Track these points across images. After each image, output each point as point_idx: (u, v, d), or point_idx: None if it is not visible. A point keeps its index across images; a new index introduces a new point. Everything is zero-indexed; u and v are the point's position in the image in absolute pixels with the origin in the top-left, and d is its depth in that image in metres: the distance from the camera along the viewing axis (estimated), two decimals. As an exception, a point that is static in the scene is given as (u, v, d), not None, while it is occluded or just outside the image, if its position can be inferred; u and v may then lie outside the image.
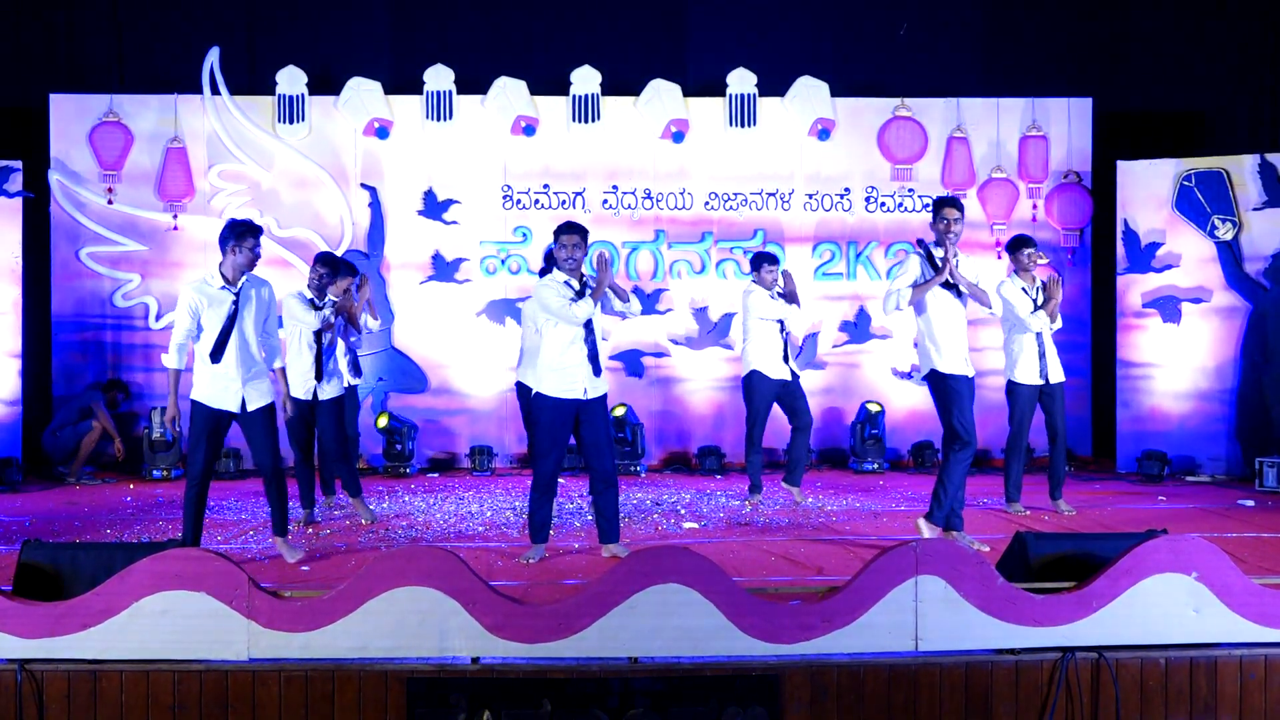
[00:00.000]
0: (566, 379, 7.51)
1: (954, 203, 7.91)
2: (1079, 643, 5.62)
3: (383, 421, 11.81)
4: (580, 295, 7.53)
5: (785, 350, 9.65)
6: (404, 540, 8.36)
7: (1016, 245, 9.35)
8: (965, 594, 5.60)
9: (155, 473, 11.44)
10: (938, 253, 7.86)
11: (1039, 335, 9.15)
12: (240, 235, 7.28)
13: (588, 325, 7.55)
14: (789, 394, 9.70)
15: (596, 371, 7.57)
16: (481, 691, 5.50)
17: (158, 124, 12.14)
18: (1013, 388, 9.26)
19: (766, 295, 9.64)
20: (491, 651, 5.53)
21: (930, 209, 8.07)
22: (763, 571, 7.18)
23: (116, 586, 5.50)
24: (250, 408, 7.35)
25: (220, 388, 7.29)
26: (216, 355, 7.23)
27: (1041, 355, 9.17)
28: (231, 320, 7.25)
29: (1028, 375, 9.18)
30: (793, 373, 9.68)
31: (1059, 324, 9.28)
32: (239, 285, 7.31)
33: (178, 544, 5.98)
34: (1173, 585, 5.67)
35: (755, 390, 9.63)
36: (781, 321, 9.63)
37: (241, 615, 5.49)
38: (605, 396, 7.69)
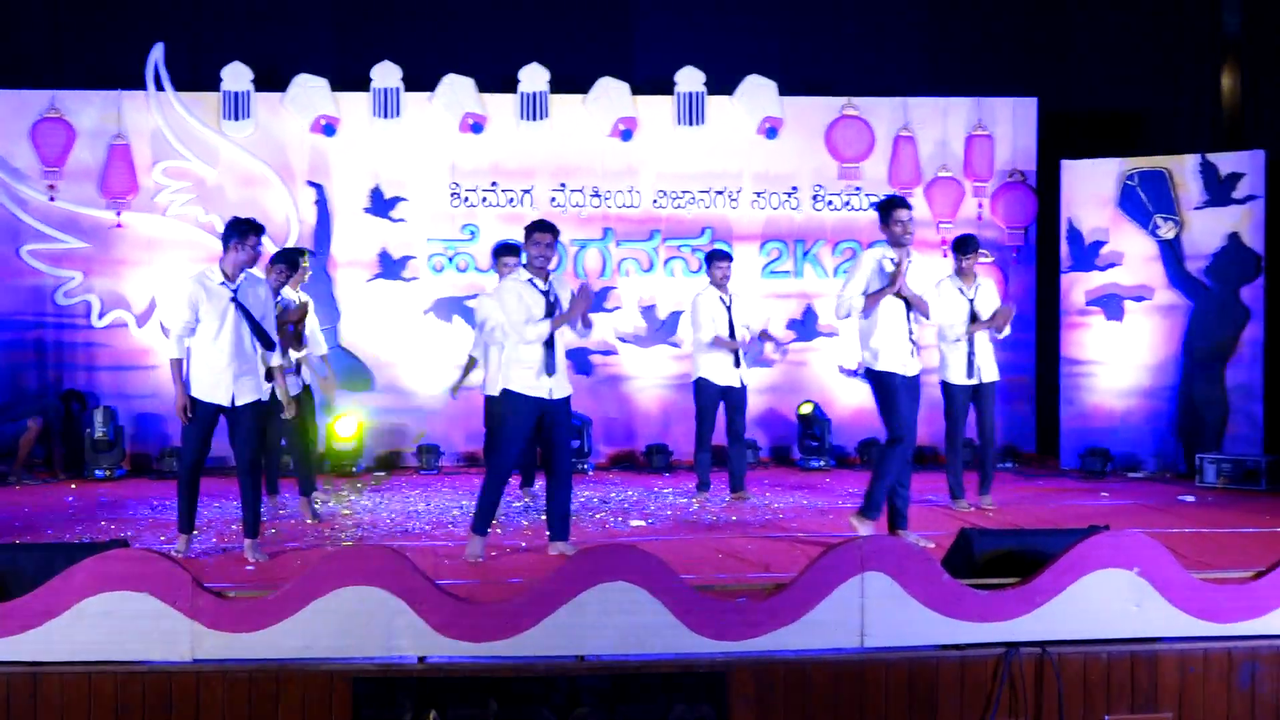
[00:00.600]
0: (530, 377, 7.53)
1: (904, 203, 7.95)
2: (1023, 638, 5.67)
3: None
4: (547, 295, 7.55)
5: (736, 355, 9.67)
6: (350, 539, 8.32)
7: (963, 247, 9.39)
8: (911, 590, 5.63)
9: (98, 473, 11.33)
10: (891, 254, 7.87)
11: (971, 337, 9.21)
12: (243, 233, 7.42)
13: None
14: (732, 401, 9.73)
15: (551, 372, 7.54)
16: (428, 691, 5.49)
17: (101, 120, 12.01)
18: (946, 387, 9.35)
19: (716, 296, 9.67)
20: (438, 651, 5.51)
21: (877, 210, 8.07)
22: (710, 569, 7.18)
23: (58, 587, 5.44)
24: (239, 402, 7.42)
25: (211, 381, 7.38)
26: (213, 349, 7.34)
27: (971, 356, 9.22)
28: (227, 316, 7.35)
29: (959, 376, 9.26)
30: (741, 381, 9.72)
31: (1006, 331, 9.39)
32: (237, 282, 7.41)
33: (120, 544, 5.92)
34: (1115, 580, 5.74)
35: (702, 393, 9.72)
36: (731, 324, 9.63)
37: (185, 616, 5.45)
38: (569, 398, 7.71)
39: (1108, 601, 5.73)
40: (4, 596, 5.57)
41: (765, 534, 8.42)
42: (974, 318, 9.20)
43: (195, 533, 7.83)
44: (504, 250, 9.55)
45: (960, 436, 9.42)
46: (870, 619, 5.63)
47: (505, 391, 7.61)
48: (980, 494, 9.44)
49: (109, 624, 5.43)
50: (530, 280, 7.59)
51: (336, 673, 5.47)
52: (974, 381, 9.25)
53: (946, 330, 9.19)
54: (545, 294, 7.57)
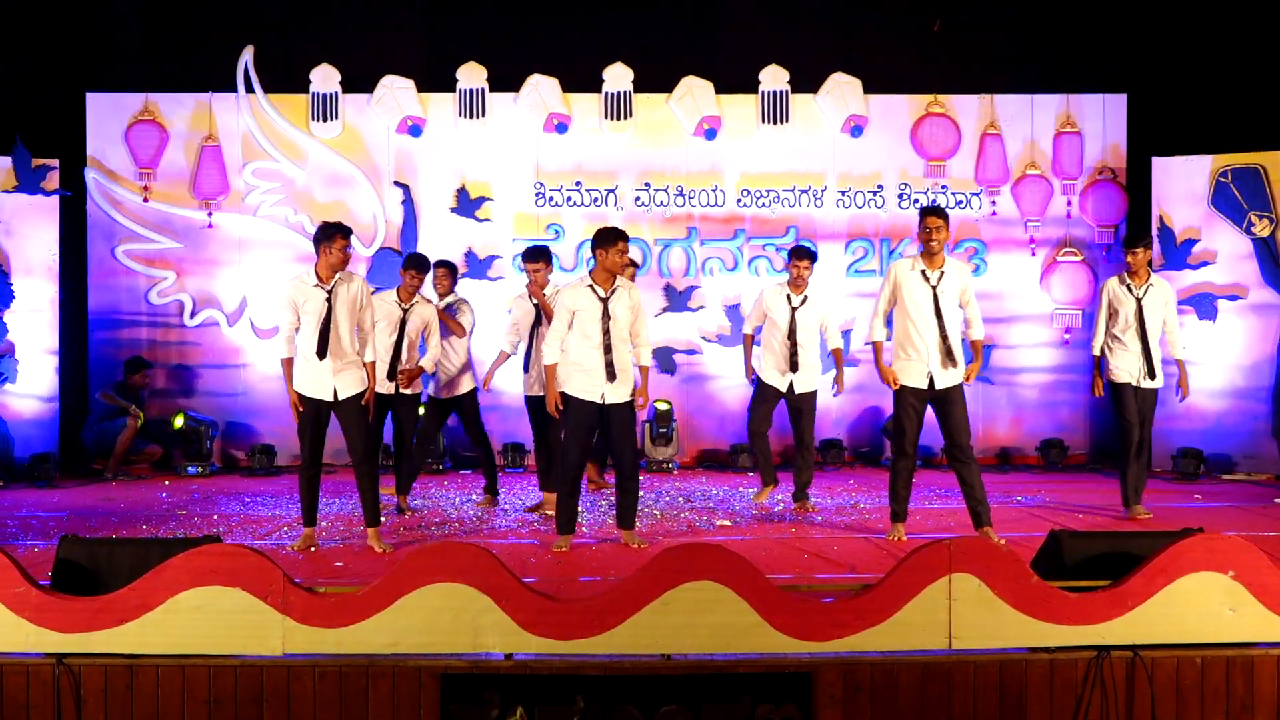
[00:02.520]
0: (586, 382, 7.74)
1: (931, 210, 7.90)
2: (1114, 641, 5.58)
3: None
4: (607, 301, 7.69)
5: (794, 356, 9.18)
6: (438, 536, 8.39)
7: (1130, 242, 8.98)
8: (999, 592, 5.57)
9: (190, 469, 11.53)
10: (923, 264, 7.92)
11: (1143, 338, 8.81)
12: (330, 236, 7.68)
13: (608, 334, 7.67)
14: (791, 405, 9.29)
15: (612, 378, 7.71)
16: (515, 687, 5.51)
17: (193, 122, 12.23)
18: (1114, 389, 8.96)
19: (783, 294, 9.33)
20: (525, 648, 5.53)
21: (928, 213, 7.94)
22: (796, 569, 7.16)
23: (152, 582, 5.53)
24: (342, 397, 7.73)
25: (314, 378, 7.70)
26: (312, 348, 7.65)
27: (1146, 358, 8.83)
28: (323, 316, 7.64)
29: (1129, 377, 8.88)
30: (793, 385, 9.18)
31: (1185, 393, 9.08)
32: (331, 283, 7.67)
33: (213, 540, 6.00)
34: (1209, 584, 5.63)
35: (755, 388, 9.44)
36: (793, 325, 9.19)
37: (276, 611, 5.51)
38: (629, 403, 7.83)
39: (1202, 605, 5.62)
40: (101, 590, 5.67)
41: (852, 534, 8.39)
42: (1141, 318, 8.81)
43: (318, 527, 8.07)
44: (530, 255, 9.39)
45: (1132, 440, 8.87)
46: (958, 620, 5.57)
47: (564, 395, 7.79)
48: (1129, 505, 8.95)
49: (202, 618, 5.51)
50: (591, 286, 7.75)
51: (424, 669, 5.51)
52: (1151, 385, 8.87)
53: (1117, 331, 8.91)
54: (604, 301, 7.71)
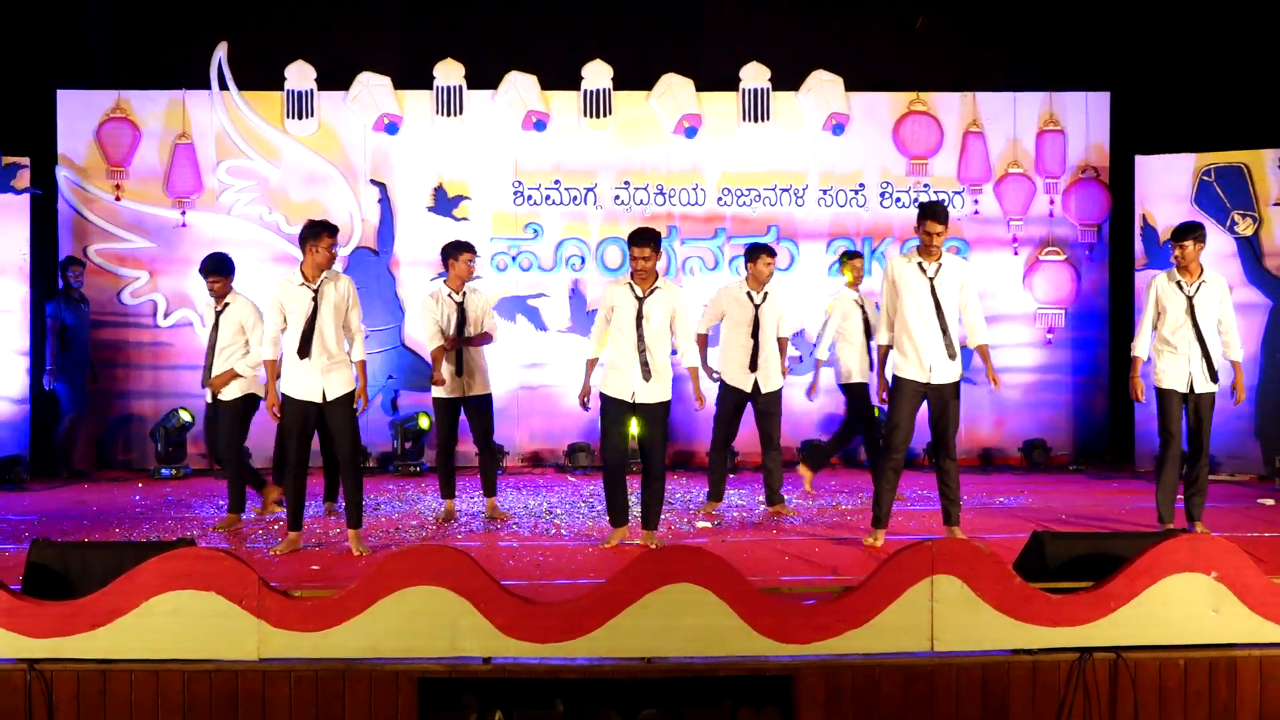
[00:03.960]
0: (619, 380, 7.86)
1: (936, 215, 7.77)
2: (1097, 643, 5.61)
3: (424, 423, 11.85)
4: (643, 301, 7.79)
5: (753, 356, 9.15)
6: (414, 539, 8.38)
7: (1179, 235, 8.26)
8: (982, 594, 5.59)
9: (164, 471, 11.50)
10: (919, 258, 7.86)
11: (1199, 339, 8.17)
12: (317, 235, 7.73)
13: (641, 335, 7.75)
14: (756, 406, 9.25)
15: (647, 377, 7.80)
16: (493, 691, 5.52)
17: (166, 120, 12.19)
18: (1158, 393, 8.35)
19: (744, 292, 9.28)
20: (503, 651, 5.54)
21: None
22: (777, 571, 7.19)
23: (126, 586, 5.53)
24: (330, 397, 7.75)
25: (303, 380, 7.73)
26: (298, 349, 7.68)
27: (1202, 361, 8.18)
28: (310, 316, 7.66)
29: (1173, 381, 8.23)
30: (757, 384, 9.17)
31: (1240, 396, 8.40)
32: (317, 282, 7.70)
33: (187, 543, 6.00)
34: (1192, 585, 5.67)
35: (720, 393, 9.37)
36: (756, 323, 9.16)
37: (252, 615, 5.51)
38: (663, 403, 7.92)
39: (1184, 606, 5.66)
40: (73, 594, 5.66)
41: (833, 536, 8.41)
42: (1194, 316, 8.13)
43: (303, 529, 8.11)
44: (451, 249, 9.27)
45: (1174, 450, 8.23)
46: (940, 622, 5.59)
47: (599, 393, 7.91)
48: (1191, 520, 8.28)
49: (176, 622, 5.50)
50: (630, 284, 7.89)
51: (402, 673, 5.51)
52: (1208, 389, 8.21)
53: (1165, 332, 8.23)
54: (640, 300, 7.82)
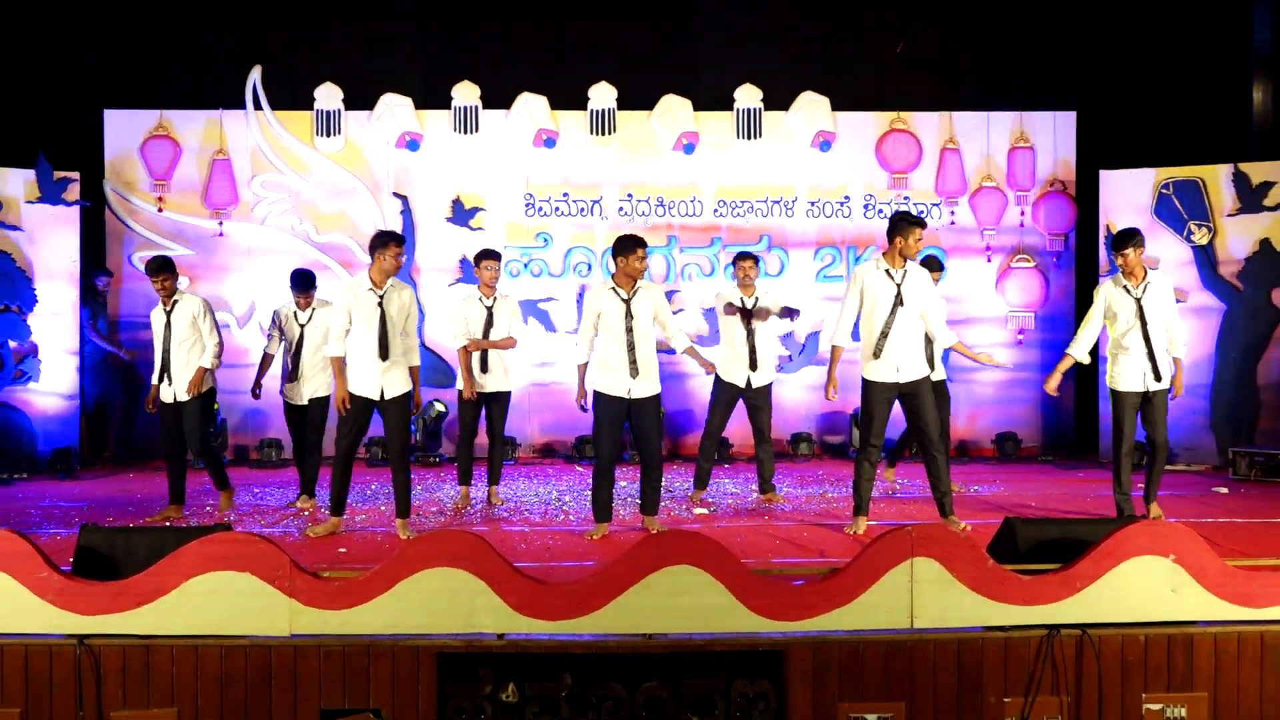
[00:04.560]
0: (612, 377, 7.76)
1: (920, 223, 7.68)
2: (1064, 620, 5.61)
3: (439, 407, 11.87)
4: (629, 301, 7.73)
5: (752, 356, 9.13)
6: (434, 525, 8.38)
7: (1119, 243, 8.06)
8: (958, 575, 5.59)
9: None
10: (882, 262, 7.78)
11: (1146, 341, 8.00)
12: (385, 244, 7.71)
13: (631, 332, 7.71)
14: (748, 401, 9.21)
15: (635, 374, 7.73)
16: (507, 665, 5.52)
17: (204, 137, 12.20)
18: (1112, 394, 8.17)
19: (735, 297, 9.25)
20: (516, 628, 5.54)
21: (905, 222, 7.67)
22: (769, 554, 7.18)
23: (167, 567, 5.53)
24: (388, 396, 7.73)
25: (365, 378, 7.71)
26: (370, 350, 7.66)
27: (1148, 361, 8.02)
28: (379, 319, 7.66)
29: (1128, 382, 8.08)
30: (750, 380, 9.13)
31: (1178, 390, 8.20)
32: (384, 288, 7.68)
33: (223, 528, 6.00)
34: (1152, 567, 5.66)
35: (714, 389, 9.31)
36: (747, 321, 9.12)
37: (284, 594, 5.51)
38: (655, 397, 7.85)
39: (1145, 587, 5.65)
40: (119, 575, 5.67)
41: (821, 522, 8.40)
42: (1143, 318, 7.97)
43: (344, 515, 8.12)
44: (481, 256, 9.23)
45: (1127, 448, 8.12)
46: (919, 601, 5.59)
47: (593, 391, 7.83)
48: (1146, 502, 8.30)
49: (214, 601, 5.51)
50: (614, 289, 7.82)
51: (422, 647, 5.51)
52: (1159, 386, 8.04)
53: (1118, 335, 8.09)
54: (626, 302, 7.76)
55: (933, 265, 9.37)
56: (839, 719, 5.54)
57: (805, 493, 9.77)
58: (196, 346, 8.61)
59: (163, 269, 8.51)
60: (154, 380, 8.68)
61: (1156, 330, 7.99)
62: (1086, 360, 8.37)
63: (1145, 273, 8.05)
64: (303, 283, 9.16)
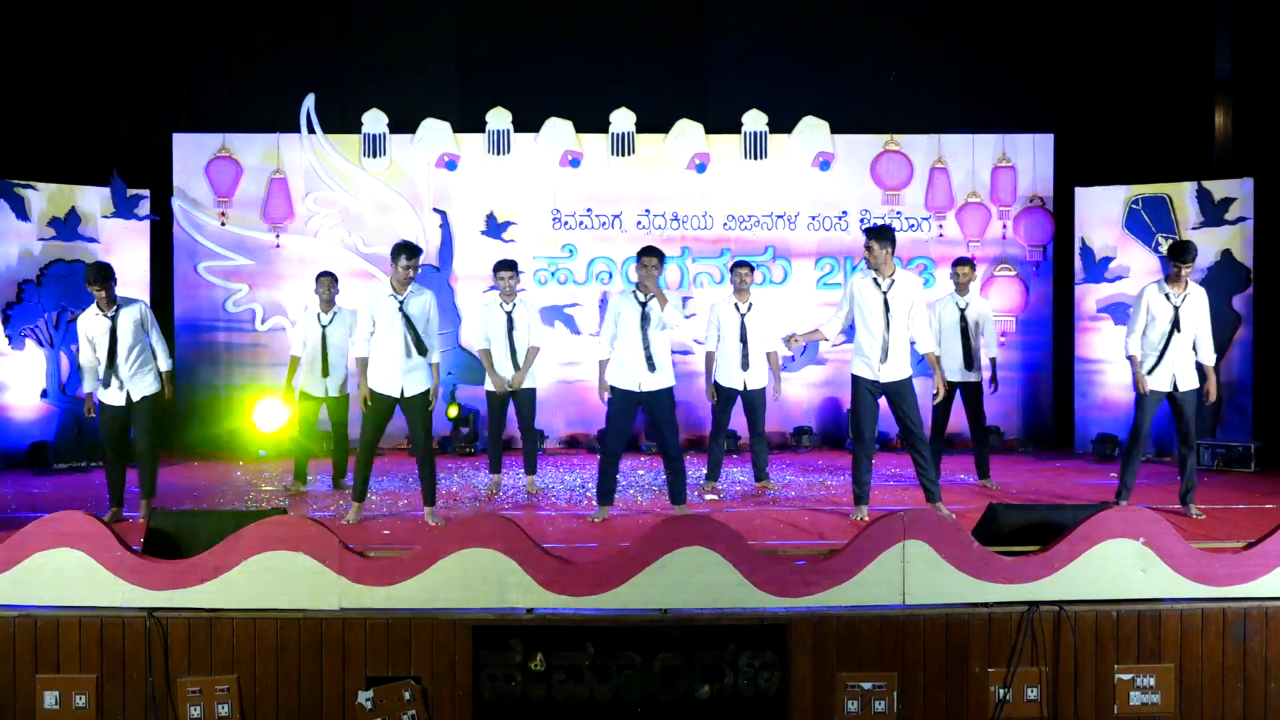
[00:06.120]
0: (627, 373, 7.75)
1: (869, 232, 7.73)
2: (1043, 597, 5.58)
3: (452, 411, 11.87)
4: (645, 305, 7.73)
5: (744, 359, 9.02)
6: (469, 509, 8.38)
7: (1177, 254, 7.84)
8: (946, 556, 5.57)
9: (261, 452, 11.53)
10: (873, 275, 7.74)
11: (1167, 345, 7.90)
12: (395, 256, 7.65)
13: (645, 330, 7.68)
14: (745, 402, 9.11)
15: (651, 368, 7.70)
16: (535, 637, 5.52)
17: (263, 158, 12.23)
18: (1138, 395, 8.11)
19: (732, 305, 9.14)
20: (544, 603, 5.54)
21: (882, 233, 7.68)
22: (773, 536, 7.17)
23: (229, 547, 5.54)
24: (408, 394, 7.68)
25: (387, 377, 7.65)
26: (395, 349, 7.62)
27: (1166, 364, 7.94)
28: (400, 323, 7.62)
29: (1157, 383, 7.98)
30: (746, 383, 9.02)
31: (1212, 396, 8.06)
32: (404, 295, 7.64)
33: (279, 512, 6.00)
34: (1124, 549, 5.64)
35: (716, 394, 9.14)
36: (743, 330, 9.00)
37: (334, 572, 5.52)
38: (667, 390, 7.81)
39: (1117, 567, 5.63)
40: (185, 554, 5.69)
41: (821, 507, 8.39)
42: (1178, 325, 7.81)
43: (369, 498, 8.19)
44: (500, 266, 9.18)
45: (1142, 445, 8.15)
46: (911, 580, 5.57)
47: (610, 385, 7.81)
48: (1185, 504, 8.09)
49: (271, 577, 5.52)
50: (633, 293, 7.84)
51: (459, 620, 5.52)
52: (1187, 388, 7.91)
53: (1151, 337, 7.95)
54: (644, 304, 7.75)
55: (963, 263, 9.35)
56: (837, 687, 5.53)
57: (806, 480, 9.75)
58: (145, 351, 7.98)
59: (103, 276, 7.76)
60: (86, 388, 7.97)
61: (1187, 337, 7.86)
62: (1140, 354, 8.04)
63: (1187, 284, 7.88)
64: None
